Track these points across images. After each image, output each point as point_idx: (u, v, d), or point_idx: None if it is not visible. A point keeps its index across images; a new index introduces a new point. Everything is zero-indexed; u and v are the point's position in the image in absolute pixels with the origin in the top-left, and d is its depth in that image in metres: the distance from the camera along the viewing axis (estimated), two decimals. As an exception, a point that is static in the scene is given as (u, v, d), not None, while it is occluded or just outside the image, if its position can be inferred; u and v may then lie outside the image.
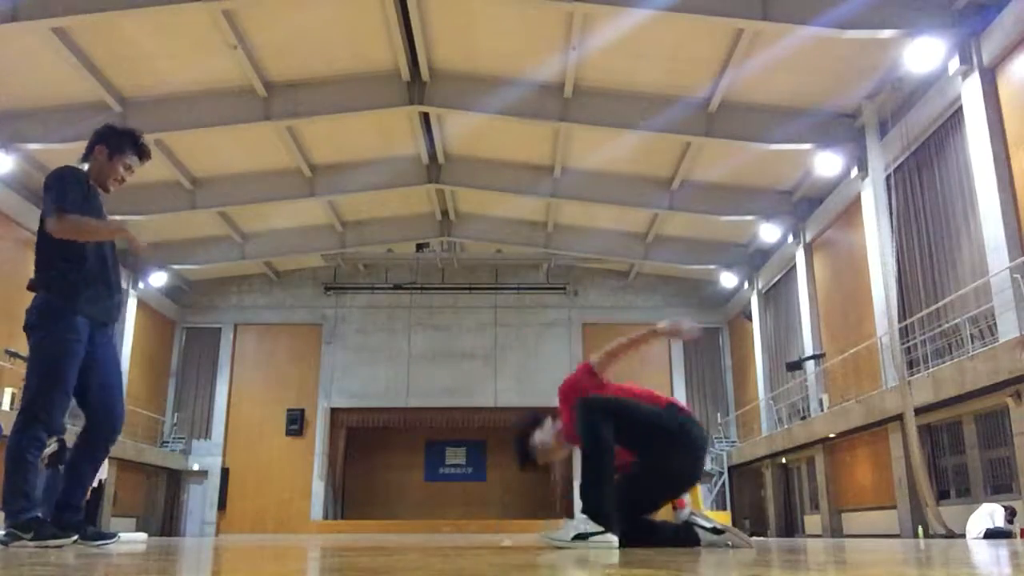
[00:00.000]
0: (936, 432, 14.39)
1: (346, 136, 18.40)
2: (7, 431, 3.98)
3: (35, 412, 3.79)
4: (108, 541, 4.04)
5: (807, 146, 16.40)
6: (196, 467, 24.93)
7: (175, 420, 25.21)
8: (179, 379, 25.82)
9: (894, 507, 15.15)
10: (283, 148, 18.14)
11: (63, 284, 3.83)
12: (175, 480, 24.81)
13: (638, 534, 3.78)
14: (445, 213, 23.19)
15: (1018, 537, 10.51)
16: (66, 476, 4.02)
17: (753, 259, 22.91)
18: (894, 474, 15.15)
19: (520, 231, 23.48)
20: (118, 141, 4.06)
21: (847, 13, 12.84)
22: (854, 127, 16.08)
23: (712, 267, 23.53)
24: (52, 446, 12.43)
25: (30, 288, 3.94)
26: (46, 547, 3.68)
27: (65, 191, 3.87)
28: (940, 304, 13.65)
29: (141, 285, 22.71)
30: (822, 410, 18.11)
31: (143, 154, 4.13)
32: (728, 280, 23.48)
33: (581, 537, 4.00)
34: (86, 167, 4.07)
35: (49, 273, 3.88)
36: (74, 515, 3.97)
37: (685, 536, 3.79)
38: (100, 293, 3.96)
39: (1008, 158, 12.11)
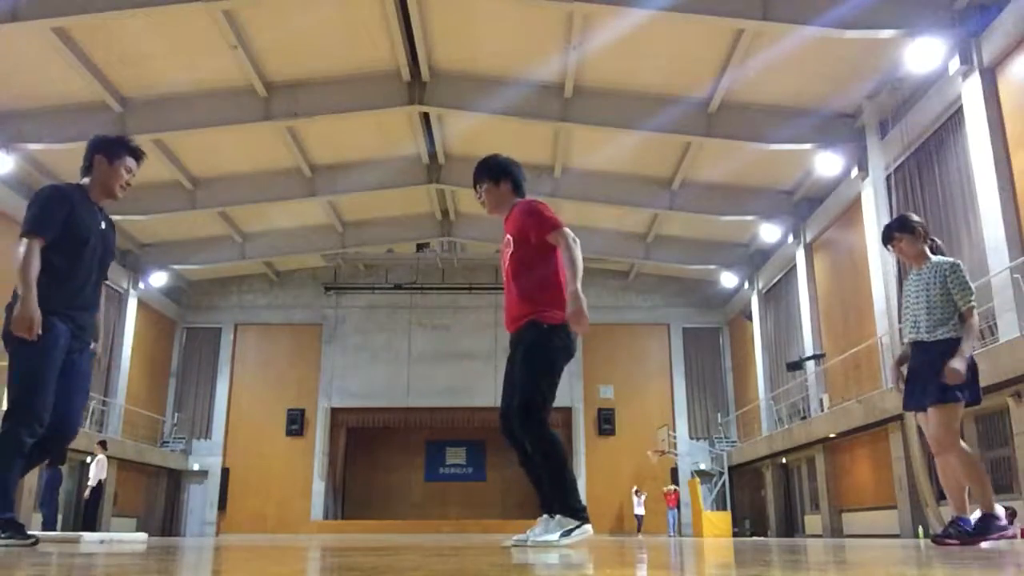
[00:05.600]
0: (936, 432, 14.36)
1: (346, 136, 18.40)
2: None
3: (17, 418, 3.85)
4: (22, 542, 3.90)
5: (807, 146, 16.39)
6: (196, 467, 24.93)
7: (175, 420, 25.20)
8: (179, 379, 25.82)
9: (894, 507, 15.15)
10: (283, 148, 18.14)
11: (41, 293, 3.87)
12: (175, 480, 24.80)
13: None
14: (445, 213, 23.19)
15: (1018, 537, 10.51)
16: None
17: (753, 259, 22.91)
18: (894, 474, 15.15)
19: (520, 231, 23.43)
20: (112, 147, 4.20)
21: (847, 13, 12.84)
22: (854, 127, 16.08)
23: (712, 267, 23.53)
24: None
25: (12, 298, 3.97)
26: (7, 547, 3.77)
27: (38, 214, 3.96)
28: (940, 304, 13.63)
29: (141, 285, 22.70)
30: (822, 410, 18.10)
31: (138, 155, 4.27)
32: (728, 280, 23.48)
33: (567, 534, 3.97)
34: (86, 181, 4.18)
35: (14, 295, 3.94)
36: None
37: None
38: (75, 306, 4.03)
39: (1008, 158, 12.10)
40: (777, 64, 14.58)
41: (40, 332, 3.81)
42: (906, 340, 5.06)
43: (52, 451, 4.11)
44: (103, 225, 4.21)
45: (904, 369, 5.09)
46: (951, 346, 4.72)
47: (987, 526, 4.70)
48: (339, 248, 23.66)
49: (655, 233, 22.29)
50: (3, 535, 3.85)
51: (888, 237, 5.06)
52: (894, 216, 14.89)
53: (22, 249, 3.86)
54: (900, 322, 5.14)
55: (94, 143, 4.23)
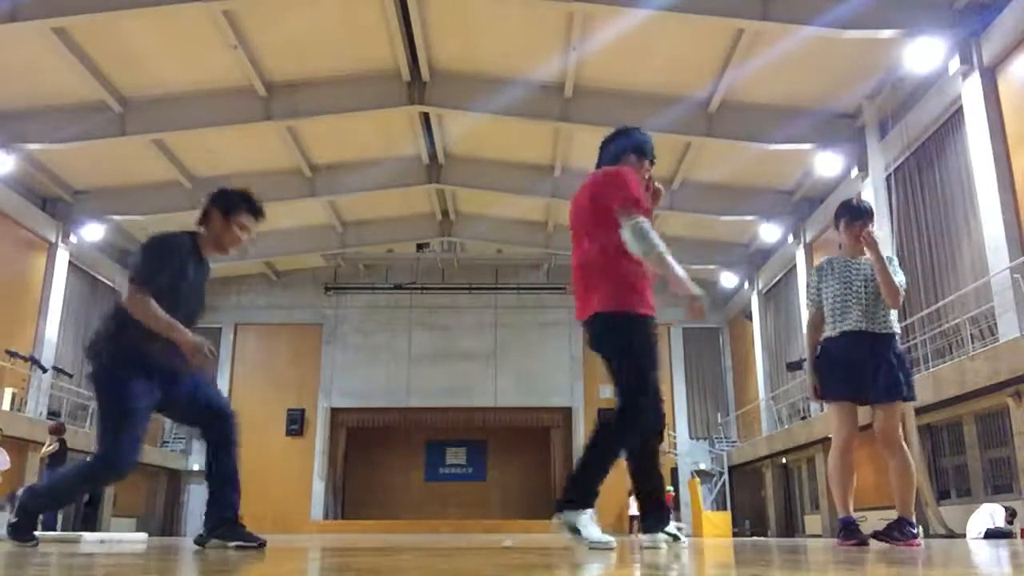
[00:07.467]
0: (936, 432, 14.38)
1: (346, 136, 18.40)
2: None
3: (105, 461, 3.79)
4: (250, 544, 3.99)
5: (807, 146, 16.39)
6: (196, 467, 24.89)
7: (175, 420, 25.19)
8: (179, 379, 25.80)
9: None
10: (283, 148, 18.14)
11: (113, 348, 3.73)
12: (175, 480, 24.80)
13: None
14: (445, 213, 23.19)
15: (1018, 537, 10.51)
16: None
17: (753, 259, 22.91)
18: (894, 474, 15.14)
19: (520, 231, 23.47)
20: (232, 203, 3.99)
21: (847, 13, 12.83)
22: (854, 127, 16.07)
23: (712, 267, 23.52)
24: (52, 446, 12.48)
25: (86, 352, 3.86)
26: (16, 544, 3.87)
27: (148, 265, 3.75)
28: (940, 304, 13.65)
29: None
30: (822, 410, 18.10)
31: (258, 213, 4.07)
32: (728, 280, 23.48)
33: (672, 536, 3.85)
34: (202, 231, 3.99)
35: (99, 335, 3.81)
36: (221, 512, 4.10)
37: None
38: (163, 356, 3.79)
39: (1008, 158, 12.10)
40: (777, 64, 14.57)
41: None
42: (840, 330, 4.68)
43: (223, 437, 4.24)
44: (204, 278, 4.05)
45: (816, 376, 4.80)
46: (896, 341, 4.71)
47: (899, 529, 4.72)
48: (339, 248, 23.66)
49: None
50: (11, 531, 3.90)
51: (866, 217, 4.77)
52: (894, 217, 14.95)
53: (133, 299, 3.66)
54: (832, 313, 4.79)
55: (214, 195, 4.01)
